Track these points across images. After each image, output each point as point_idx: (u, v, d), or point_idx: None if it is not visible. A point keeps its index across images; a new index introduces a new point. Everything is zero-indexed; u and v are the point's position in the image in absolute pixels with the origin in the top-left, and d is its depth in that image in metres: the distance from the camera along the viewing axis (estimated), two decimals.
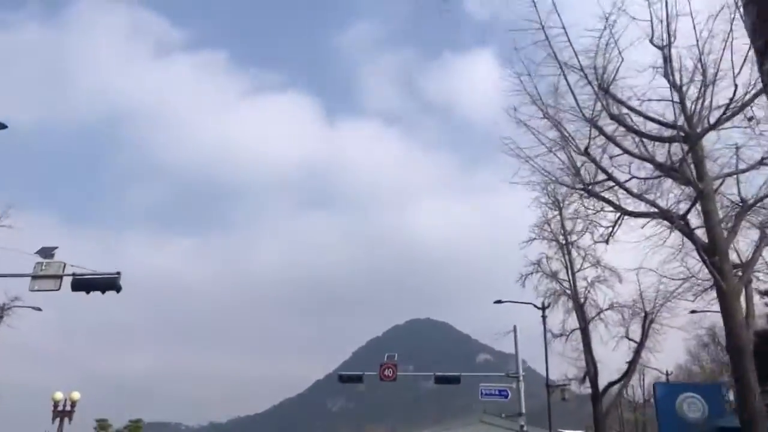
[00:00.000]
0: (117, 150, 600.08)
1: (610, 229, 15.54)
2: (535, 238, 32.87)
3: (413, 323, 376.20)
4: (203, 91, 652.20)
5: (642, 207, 15.15)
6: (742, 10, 9.18)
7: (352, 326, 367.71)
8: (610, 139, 14.52)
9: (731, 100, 13.99)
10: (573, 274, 31.85)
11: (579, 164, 14.86)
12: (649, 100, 15.05)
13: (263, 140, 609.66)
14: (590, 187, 15.07)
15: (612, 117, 14.40)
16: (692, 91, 15.05)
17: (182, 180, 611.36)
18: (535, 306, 34.19)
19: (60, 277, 19.38)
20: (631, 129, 14.71)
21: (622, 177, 15.08)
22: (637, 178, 14.81)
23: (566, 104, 14.56)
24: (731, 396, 27.00)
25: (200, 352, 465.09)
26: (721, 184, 16.28)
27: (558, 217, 32.39)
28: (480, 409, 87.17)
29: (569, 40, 13.46)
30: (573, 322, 32.23)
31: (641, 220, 16.01)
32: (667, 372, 47.47)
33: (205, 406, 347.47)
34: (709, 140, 15.71)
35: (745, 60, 13.00)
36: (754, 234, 17.71)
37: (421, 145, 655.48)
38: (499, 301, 34.72)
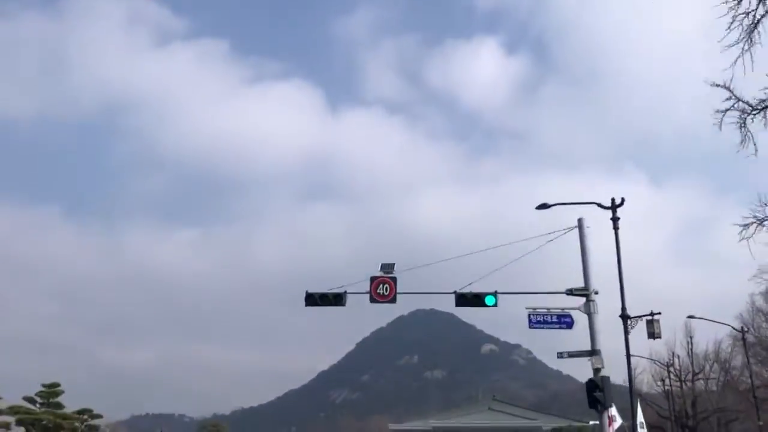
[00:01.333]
0: (117, 141, 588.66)
1: None
2: None
3: (417, 314, 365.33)
4: (204, 80, 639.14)
5: None
6: None
7: (356, 317, 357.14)
8: None
9: None
10: None
11: None
12: None
13: (264, 130, 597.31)
14: None
15: None
16: None
17: (183, 170, 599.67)
18: (600, 205, 23.61)
19: None
20: None
21: None
22: None
23: None
24: None
25: (204, 343, 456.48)
26: None
27: None
28: (487, 399, 77.74)
29: None
30: None
31: None
32: None
33: (209, 397, 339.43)
34: None
35: None
36: None
37: (425, 134, 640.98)
38: (543, 206, 23.99)
